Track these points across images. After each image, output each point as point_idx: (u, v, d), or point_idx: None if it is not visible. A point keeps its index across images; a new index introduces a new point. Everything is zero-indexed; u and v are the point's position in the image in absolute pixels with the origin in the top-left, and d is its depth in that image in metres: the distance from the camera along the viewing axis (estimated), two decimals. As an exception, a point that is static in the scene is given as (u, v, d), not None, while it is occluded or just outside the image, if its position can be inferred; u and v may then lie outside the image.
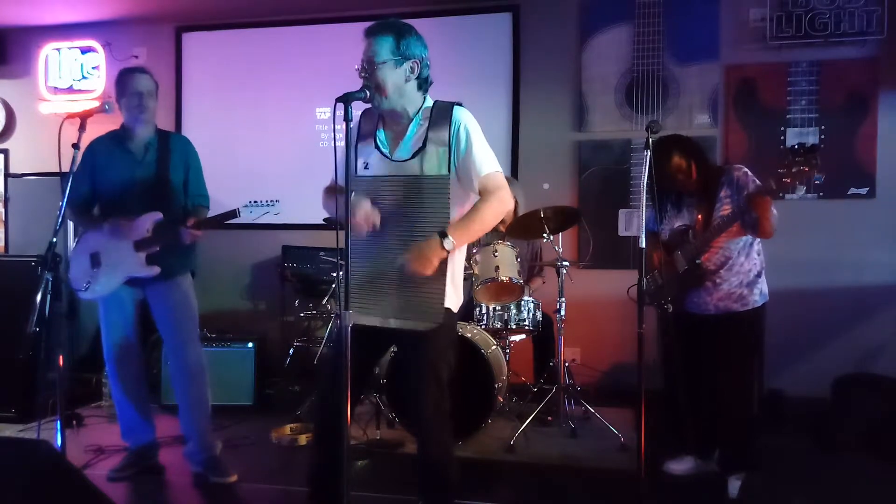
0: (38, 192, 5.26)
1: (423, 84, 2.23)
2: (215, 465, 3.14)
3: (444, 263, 2.16)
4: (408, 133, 2.22)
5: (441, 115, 2.20)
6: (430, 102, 2.26)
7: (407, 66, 2.17)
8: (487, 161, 2.19)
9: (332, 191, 2.35)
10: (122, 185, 3.05)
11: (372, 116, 2.31)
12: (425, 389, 2.22)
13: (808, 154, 2.62)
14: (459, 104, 2.24)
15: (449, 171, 2.17)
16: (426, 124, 2.20)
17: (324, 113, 5.26)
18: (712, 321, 3.04)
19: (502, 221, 4.16)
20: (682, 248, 3.07)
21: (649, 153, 2.53)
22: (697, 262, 3.01)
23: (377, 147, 2.26)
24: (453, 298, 2.27)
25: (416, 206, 2.17)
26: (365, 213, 2.15)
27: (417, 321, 2.18)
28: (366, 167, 2.26)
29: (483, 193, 2.19)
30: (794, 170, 2.63)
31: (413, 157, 2.20)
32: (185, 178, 3.15)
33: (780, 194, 4.00)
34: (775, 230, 2.87)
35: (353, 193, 2.13)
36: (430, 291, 2.17)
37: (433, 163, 2.17)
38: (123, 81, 3.06)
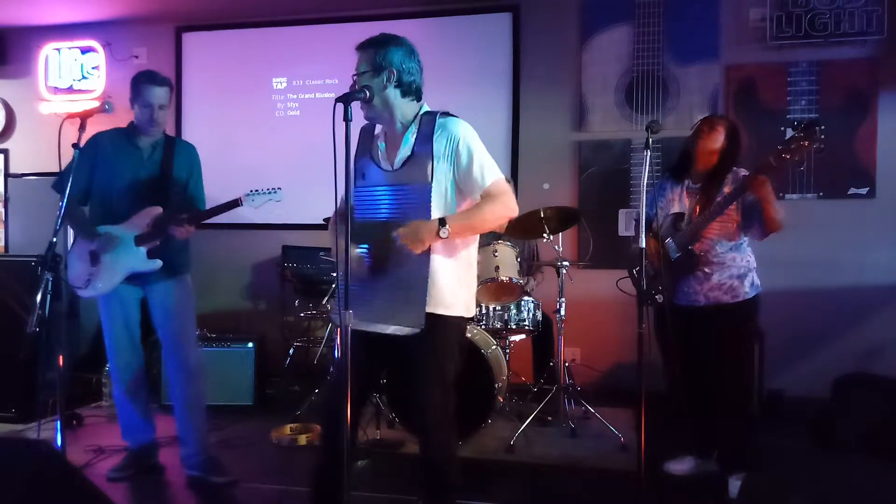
0: (37, 192, 5.24)
1: (409, 91, 2.26)
2: (214, 466, 3.13)
3: (425, 266, 2.15)
4: (402, 143, 2.26)
5: (428, 125, 2.24)
6: (423, 110, 2.30)
7: (384, 74, 2.22)
8: (490, 172, 2.21)
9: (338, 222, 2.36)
10: (125, 180, 3.05)
11: (370, 130, 2.39)
12: (431, 390, 2.22)
13: (808, 129, 2.59)
14: (451, 114, 2.27)
15: (432, 180, 2.18)
16: (415, 134, 2.25)
17: (280, 83, 5.32)
18: (703, 313, 3.03)
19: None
20: (675, 236, 3.06)
21: (649, 153, 2.52)
22: (689, 248, 3.00)
23: (372, 157, 2.32)
24: (462, 298, 2.26)
25: (401, 215, 2.20)
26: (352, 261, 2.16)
27: (401, 325, 2.18)
28: (363, 178, 2.32)
29: (486, 197, 2.21)
30: (792, 145, 2.60)
31: (402, 167, 2.24)
32: (186, 183, 3.16)
33: (781, 194, 3.99)
34: (783, 225, 2.82)
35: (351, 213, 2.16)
36: (412, 297, 2.16)
37: (417, 173, 2.20)
38: (138, 89, 3.02)
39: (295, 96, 5.34)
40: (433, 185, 2.18)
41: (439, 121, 2.23)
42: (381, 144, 2.32)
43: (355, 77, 2.26)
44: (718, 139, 2.98)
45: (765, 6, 4.54)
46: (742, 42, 4.62)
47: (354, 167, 2.30)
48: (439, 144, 2.19)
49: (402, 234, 2.12)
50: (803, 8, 4.49)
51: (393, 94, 2.23)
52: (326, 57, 5.19)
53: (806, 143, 2.58)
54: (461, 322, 2.29)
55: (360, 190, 2.32)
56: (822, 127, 2.57)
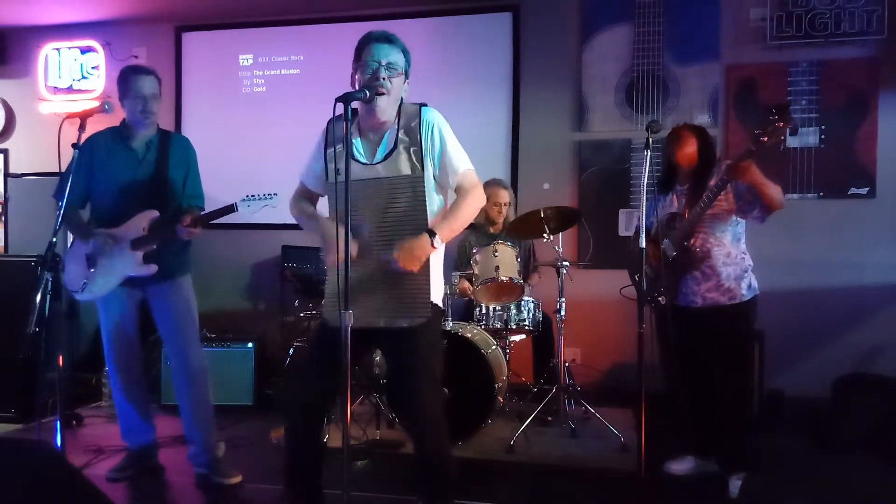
0: (37, 193, 5.25)
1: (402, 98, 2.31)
2: (218, 467, 3.13)
3: (427, 260, 2.19)
4: (384, 136, 2.25)
5: (409, 117, 2.25)
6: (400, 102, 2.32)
7: (406, 80, 2.26)
8: (462, 159, 2.26)
9: (300, 199, 2.43)
10: (121, 182, 3.03)
11: (341, 123, 2.31)
12: (420, 388, 2.22)
13: (782, 111, 2.62)
14: (426, 105, 2.28)
15: (422, 170, 2.20)
16: (396, 127, 2.24)
17: (246, 60, 5.37)
18: (700, 315, 3.03)
19: (493, 223, 4.38)
20: (671, 235, 3.07)
21: (649, 153, 2.53)
22: (686, 244, 3.01)
23: (351, 153, 2.25)
24: (439, 291, 2.31)
25: (393, 207, 2.21)
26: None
27: (405, 318, 2.20)
28: (337, 173, 2.27)
29: (460, 192, 2.26)
30: (769, 128, 2.63)
31: (385, 159, 2.23)
32: (183, 179, 3.14)
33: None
34: (783, 203, 2.84)
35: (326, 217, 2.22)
36: (416, 287, 2.20)
37: (405, 163, 2.21)
38: (127, 83, 3.02)
39: (296, 94, 5.34)
40: (423, 175, 2.20)
41: (421, 111, 2.24)
42: (356, 141, 2.27)
43: (385, 70, 2.16)
44: (690, 140, 3.07)
45: (765, 6, 4.53)
46: (742, 42, 4.62)
47: (328, 160, 2.27)
48: (422, 135, 2.21)
49: (399, 258, 2.12)
50: (803, 8, 4.49)
51: (402, 95, 2.25)
52: (324, 56, 5.18)
53: (781, 125, 2.62)
54: (438, 310, 2.32)
55: (339, 184, 2.27)
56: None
